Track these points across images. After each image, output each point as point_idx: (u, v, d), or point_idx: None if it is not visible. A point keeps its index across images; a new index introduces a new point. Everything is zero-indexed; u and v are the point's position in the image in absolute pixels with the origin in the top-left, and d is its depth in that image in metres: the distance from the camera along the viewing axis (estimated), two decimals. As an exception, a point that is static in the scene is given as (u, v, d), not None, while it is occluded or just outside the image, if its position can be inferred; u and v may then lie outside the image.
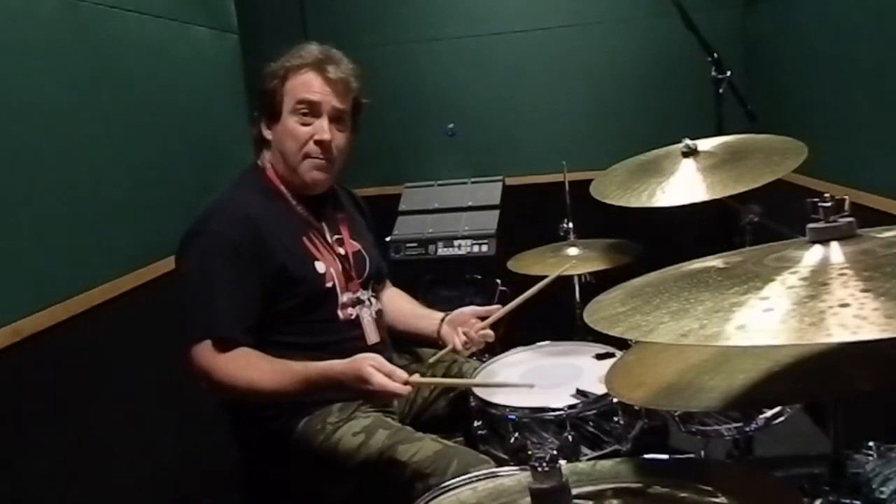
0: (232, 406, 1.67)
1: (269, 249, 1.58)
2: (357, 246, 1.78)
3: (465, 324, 1.75)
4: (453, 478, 1.37)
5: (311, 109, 1.63)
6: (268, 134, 1.68)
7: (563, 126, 3.13)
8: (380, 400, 1.61)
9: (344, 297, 1.68)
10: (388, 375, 1.42)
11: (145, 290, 1.96)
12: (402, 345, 1.89)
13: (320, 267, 1.65)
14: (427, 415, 1.81)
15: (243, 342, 1.51)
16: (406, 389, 1.44)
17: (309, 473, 1.59)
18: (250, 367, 1.49)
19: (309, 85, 1.63)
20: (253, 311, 1.55)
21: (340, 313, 1.68)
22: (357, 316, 1.71)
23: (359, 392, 1.47)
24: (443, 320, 1.79)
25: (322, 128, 1.63)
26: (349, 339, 1.67)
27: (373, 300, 1.77)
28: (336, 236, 1.74)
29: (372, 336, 1.73)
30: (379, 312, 1.79)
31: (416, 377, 1.49)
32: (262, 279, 1.56)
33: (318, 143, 1.63)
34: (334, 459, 1.55)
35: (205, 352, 1.49)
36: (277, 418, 1.60)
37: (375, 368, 1.41)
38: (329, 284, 1.65)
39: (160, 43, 2.19)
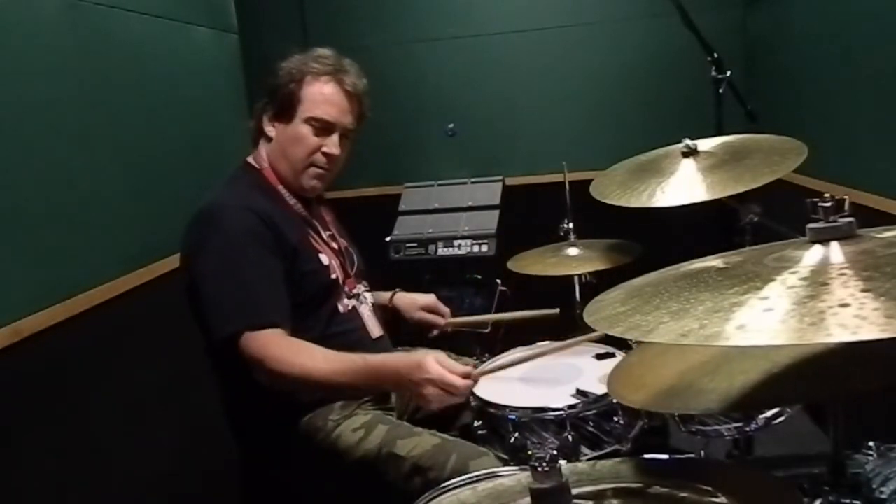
0: (233, 405, 1.67)
1: (282, 241, 1.58)
2: (344, 242, 1.81)
3: (415, 314, 1.94)
4: (453, 472, 1.38)
5: (326, 126, 1.66)
6: (270, 130, 1.69)
7: (563, 126, 3.13)
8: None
9: (345, 290, 1.70)
10: (450, 370, 1.42)
11: (145, 290, 1.96)
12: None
13: (324, 259, 1.66)
14: (422, 412, 1.81)
15: (287, 326, 1.50)
16: (467, 384, 1.43)
17: (309, 471, 1.60)
18: (303, 354, 1.47)
19: (327, 98, 1.65)
20: (286, 295, 1.54)
21: (341, 305, 1.69)
22: (354, 307, 1.72)
23: (414, 387, 1.43)
24: (392, 296, 1.96)
25: (333, 142, 1.66)
26: (351, 331, 1.69)
27: (367, 295, 1.79)
28: (328, 232, 1.76)
29: (375, 330, 1.75)
30: (374, 307, 1.80)
31: (480, 370, 1.49)
32: (283, 267, 1.56)
33: (325, 155, 1.66)
34: (334, 456, 1.55)
35: (253, 341, 1.45)
36: (278, 417, 1.60)
37: (437, 362, 1.42)
38: (334, 276, 1.67)
39: (160, 43, 2.19)
